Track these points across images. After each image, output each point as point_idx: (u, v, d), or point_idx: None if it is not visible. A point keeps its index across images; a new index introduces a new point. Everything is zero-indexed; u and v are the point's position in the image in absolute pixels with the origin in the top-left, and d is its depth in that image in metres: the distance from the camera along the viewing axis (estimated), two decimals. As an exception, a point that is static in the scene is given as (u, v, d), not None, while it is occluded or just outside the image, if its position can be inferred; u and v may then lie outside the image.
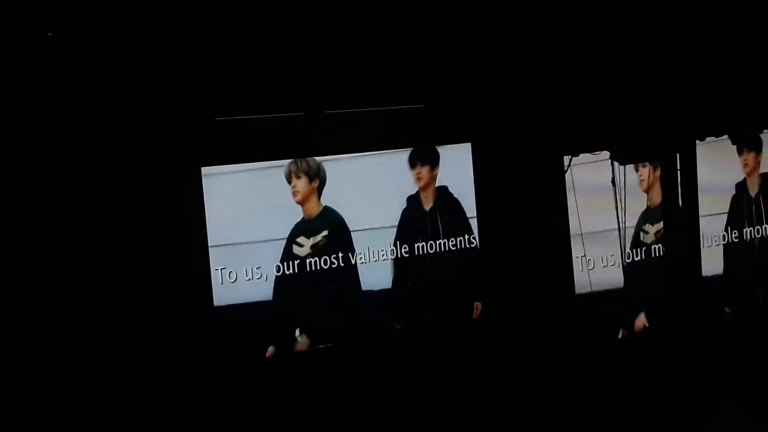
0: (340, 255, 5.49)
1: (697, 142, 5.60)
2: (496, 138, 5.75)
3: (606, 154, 5.78)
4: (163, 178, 5.13)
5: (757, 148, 6.34)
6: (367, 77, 5.43)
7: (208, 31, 5.06)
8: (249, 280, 5.33)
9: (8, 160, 4.88)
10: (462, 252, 5.73)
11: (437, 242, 5.69)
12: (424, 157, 5.65)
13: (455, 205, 5.73)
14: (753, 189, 6.34)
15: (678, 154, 5.39)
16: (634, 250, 6.07)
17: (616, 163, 5.85)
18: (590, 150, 5.83)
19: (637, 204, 6.06)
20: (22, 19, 4.75)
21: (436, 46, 5.52)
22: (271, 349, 5.42)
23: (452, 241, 5.72)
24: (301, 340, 5.47)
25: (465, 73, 5.65)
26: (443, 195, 5.70)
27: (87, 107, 4.98)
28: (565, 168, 5.87)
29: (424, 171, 5.66)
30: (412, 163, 5.63)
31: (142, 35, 4.96)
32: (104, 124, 5.01)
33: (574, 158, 5.87)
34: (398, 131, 5.58)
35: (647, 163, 6.04)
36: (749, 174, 6.33)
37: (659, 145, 5.36)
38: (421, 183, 5.66)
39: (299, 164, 5.41)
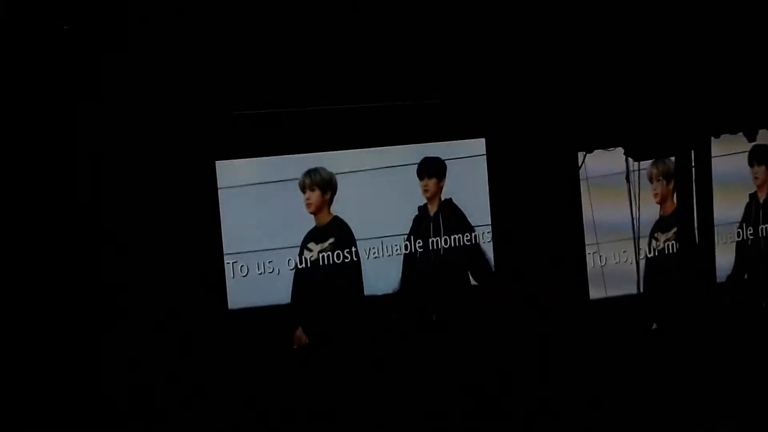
0: (344, 258, 5.75)
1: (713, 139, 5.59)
2: (510, 134, 5.91)
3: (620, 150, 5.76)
4: (178, 173, 5.31)
5: (768, 162, 6.45)
6: (383, 72, 5.62)
7: (223, 25, 5.25)
8: (261, 274, 5.59)
9: (18, 153, 5.03)
10: (463, 249, 5.96)
11: (441, 239, 5.90)
12: (431, 171, 5.90)
13: (458, 212, 5.95)
14: (762, 197, 6.44)
15: (693, 151, 5.38)
16: (647, 248, 6.21)
17: (630, 160, 5.93)
18: (604, 146, 5.91)
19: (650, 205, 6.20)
20: (37, 12, 4.91)
21: (451, 43, 5.70)
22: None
23: (454, 238, 5.94)
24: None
25: (479, 70, 5.81)
26: (447, 204, 5.94)
27: (101, 100, 5.14)
28: (579, 164, 6.04)
29: (431, 183, 5.91)
30: (420, 175, 5.89)
31: (157, 28, 5.15)
32: (118, 117, 5.18)
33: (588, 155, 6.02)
34: (414, 126, 5.77)
35: (661, 178, 6.19)
36: (759, 186, 6.42)
37: (674, 142, 5.37)
38: (428, 194, 5.91)
39: (313, 177, 5.69)
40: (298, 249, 5.66)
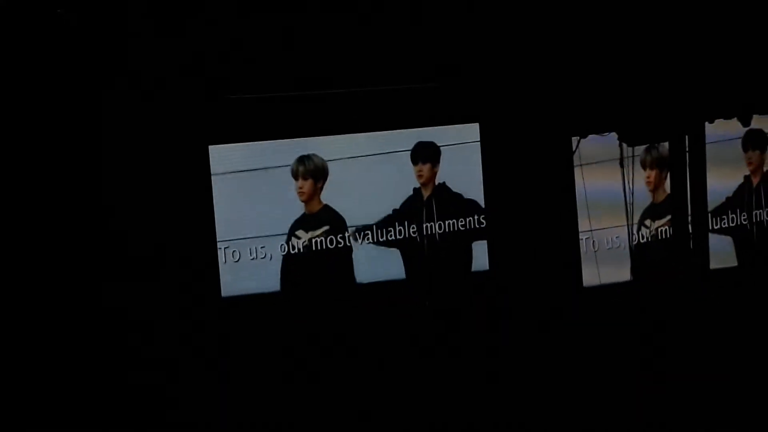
0: (337, 243, 5.73)
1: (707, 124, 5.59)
2: (504, 118, 5.88)
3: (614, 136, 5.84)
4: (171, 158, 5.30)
5: (762, 147, 6.41)
6: (376, 56, 5.59)
7: (216, 8, 5.24)
8: (253, 259, 5.56)
9: (11, 142, 5.02)
10: (463, 232, 5.96)
11: (435, 224, 5.89)
12: (426, 156, 5.88)
13: (454, 195, 5.94)
14: (755, 181, 6.45)
15: (687, 136, 5.38)
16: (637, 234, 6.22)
17: (624, 145, 5.95)
18: (598, 131, 5.90)
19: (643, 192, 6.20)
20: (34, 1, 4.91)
21: (445, 27, 5.67)
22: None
23: (448, 223, 5.92)
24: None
25: (473, 53, 5.78)
26: (442, 188, 5.92)
27: (95, 87, 5.13)
28: (573, 149, 6.02)
29: (425, 168, 5.88)
30: (414, 160, 5.87)
31: (150, 12, 5.13)
32: (111, 103, 5.15)
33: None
34: (408, 111, 5.76)
35: (654, 165, 6.18)
36: (753, 171, 6.43)
37: (668, 127, 5.37)
38: (422, 180, 5.89)
39: (306, 164, 5.65)
40: (288, 240, 5.63)
